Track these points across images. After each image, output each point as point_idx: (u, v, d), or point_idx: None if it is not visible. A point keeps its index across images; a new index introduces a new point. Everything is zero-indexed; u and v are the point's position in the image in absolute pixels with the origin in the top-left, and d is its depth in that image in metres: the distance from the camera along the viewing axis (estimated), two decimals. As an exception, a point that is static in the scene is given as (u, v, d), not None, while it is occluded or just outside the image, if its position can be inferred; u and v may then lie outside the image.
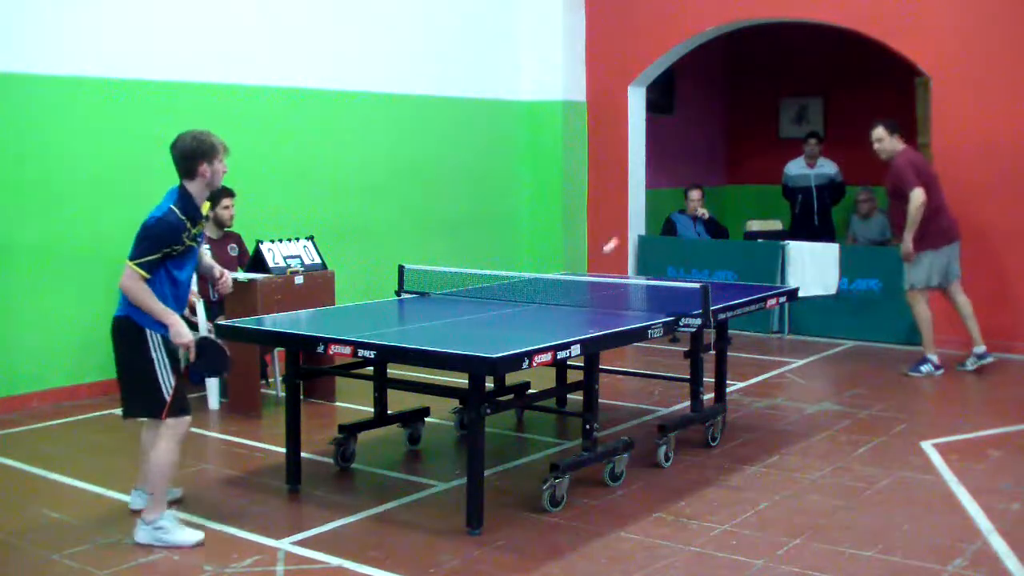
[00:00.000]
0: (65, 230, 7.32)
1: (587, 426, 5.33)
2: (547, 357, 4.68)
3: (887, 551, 4.56)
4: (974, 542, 4.67)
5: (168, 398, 4.67)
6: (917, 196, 7.88)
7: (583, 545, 4.66)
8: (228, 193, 7.53)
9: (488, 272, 7.09)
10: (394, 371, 6.33)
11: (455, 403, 6.47)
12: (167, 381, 4.67)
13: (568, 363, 5.87)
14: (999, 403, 7.36)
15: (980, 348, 8.24)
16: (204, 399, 7.26)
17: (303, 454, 5.58)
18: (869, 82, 12.31)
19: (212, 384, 7.22)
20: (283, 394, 6.26)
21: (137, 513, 4.88)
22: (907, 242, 7.99)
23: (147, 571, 4.43)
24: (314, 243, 7.54)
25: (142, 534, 4.66)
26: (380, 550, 4.60)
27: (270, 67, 8.55)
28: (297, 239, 7.46)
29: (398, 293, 6.54)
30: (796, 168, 11.45)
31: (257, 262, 7.18)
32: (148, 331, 4.64)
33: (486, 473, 4.90)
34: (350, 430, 5.87)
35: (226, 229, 7.73)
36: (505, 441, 6.45)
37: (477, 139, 10.47)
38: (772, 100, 13.63)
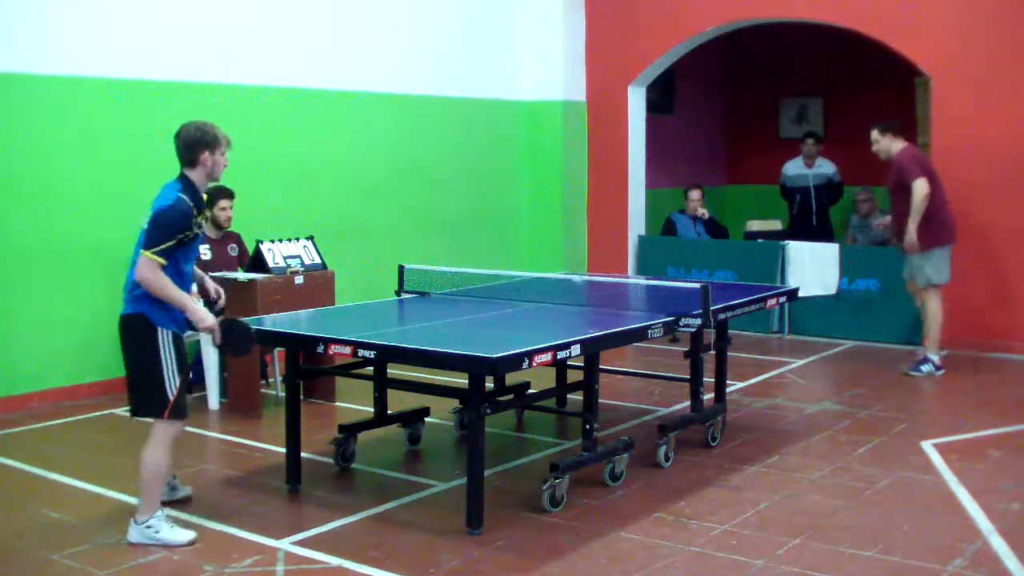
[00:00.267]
0: (65, 230, 7.32)
1: (587, 426, 5.33)
2: (547, 357, 4.68)
3: (887, 551, 4.56)
4: (974, 542, 4.67)
5: (172, 398, 4.68)
6: (921, 186, 7.90)
7: (583, 545, 4.66)
8: (227, 194, 7.53)
9: (488, 272, 7.10)
10: (394, 371, 6.32)
11: (455, 403, 6.47)
12: (173, 381, 4.68)
13: (568, 363, 5.87)
14: (999, 403, 7.36)
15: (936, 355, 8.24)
16: (204, 399, 7.26)
17: (303, 454, 5.58)
18: (869, 82, 12.31)
19: (212, 384, 7.22)
20: (283, 394, 6.26)
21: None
22: (911, 233, 7.99)
23: (147, 571, 4.43)
24: (314, 243, 7.54)
25: (134, 534, 4.67)
26: (380, 550, 4.60)
27: (270, 67, 8.55)
28: (297, 239, 7.46)
29: (398, 293, 6.54)
30: (794, 168, 11.45)
31: (257, 262, 7.18)
32: (160, 329, 4.65)
33: (486, 473, 4.90)
34: (350, 430, 5.87)
35: (226, 229, 7.73)
36: (505, 441, 6.45)
37: (477, 139, 10.47)
38: (772, 100, 13.63)
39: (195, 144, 4.73)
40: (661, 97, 12.33)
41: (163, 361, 4.66)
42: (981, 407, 7.24)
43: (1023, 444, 6.30)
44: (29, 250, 7.15)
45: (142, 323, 4.65)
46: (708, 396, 6.30)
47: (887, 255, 9.18)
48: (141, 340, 4.67)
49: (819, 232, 10.98)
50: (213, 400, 7.24)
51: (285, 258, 7.25)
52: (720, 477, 5.63)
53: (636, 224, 11.14)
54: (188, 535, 4.69)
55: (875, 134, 8.21)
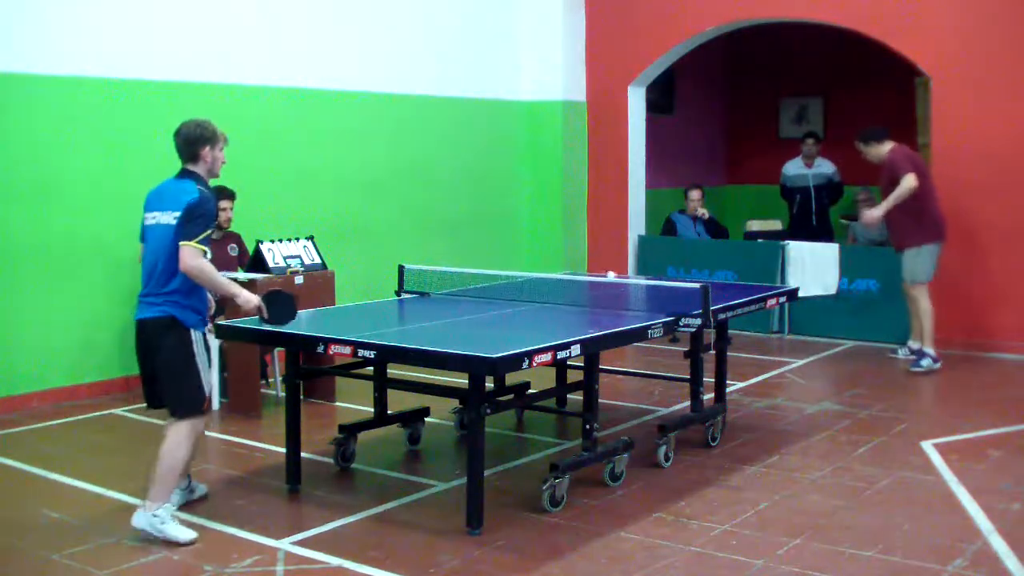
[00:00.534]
0: (65, 230, 7.32)
1: (587, 426, 5.33)
2: (547, 357, 4.68)
3: (887, 551, 4.56)
4: (974, 542, 4.67)
5: (207, 395, 4.82)
6: (909, 180, 8.00)
7: (583, 545, 4.66)
8: (228, 195, 7.52)
9: (488, 272, 7.10)
10: (394, 371, 6.32)
11: (455, 403, 6.47)
12: (207, 379, 4.82)
13: (568, 363, 5.87)
14: (999, 403, 7.36)
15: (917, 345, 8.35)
16: (204, 399, 7.26)
17: (303, 454, 5.58)
18: (869, 82, 12.32)
19: (212, 384, 7.19)
20: (283, 394, 6.26)
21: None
22: (880, 209, 8.17)
23: (147, 571, 4.43)
24: (314, 243, 7.54)
25: (140, 518, 4.69)
26: (380, 550, 4.60)
27: (270, 67, 8.55)
28: (297, 239, 7.46)
29: (398, 293, 6.54)
30: (794, 168, 11.45)
31: (257, 262, 7.18)
32: (192, 331, 4.73)
33: (486, 473, 4.90)
34: (350, 430, 5.87)
35: (226, 230, 7.73)
36: (505, 441, 6.45)
37: (477, 139, 10.47)
38: (772, 100, 13.63)
39: (196, 140, 4.82)
40: (661, 97, 12.33)
41: (197, 361, 4.75)
42: (981, 407, 7.23)
43: (1023, 444, 6.30)
44: (29, 249, 7.15)
45: (174, 325, 4.71)
46: (708, 396, 6.30)
47: (887, 255, 9.18)
48: (175, 343, 4.72)
49: (819, 232, 10.98)
50: (213, 400, 7.23)
51: (285, 258, 7.25)
52: (720, 477, 5.63)
53: (636, 224, 11.14)
54: (190, 534, 4.69)
55: (858, 145, 8.46)
